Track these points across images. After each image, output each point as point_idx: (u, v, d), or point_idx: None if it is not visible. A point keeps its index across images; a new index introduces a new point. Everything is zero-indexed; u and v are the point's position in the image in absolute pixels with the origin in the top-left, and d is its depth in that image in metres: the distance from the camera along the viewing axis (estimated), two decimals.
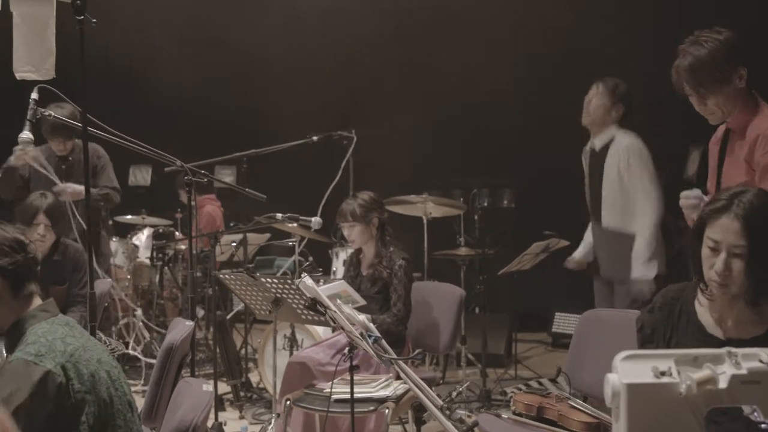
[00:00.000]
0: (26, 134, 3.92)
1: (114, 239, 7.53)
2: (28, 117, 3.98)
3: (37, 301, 2.54)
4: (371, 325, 2.96)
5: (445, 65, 8.43)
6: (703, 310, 2.75)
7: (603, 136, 5.30)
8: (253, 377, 6.45)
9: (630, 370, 1.91)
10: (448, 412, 2.61)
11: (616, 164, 5.22)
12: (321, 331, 5.60)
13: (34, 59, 3.58)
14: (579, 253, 5.67)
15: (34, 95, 3.95)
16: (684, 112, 3.69)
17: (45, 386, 2.29)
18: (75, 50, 3.46)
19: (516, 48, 8.07)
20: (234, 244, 7.03)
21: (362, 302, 4.52)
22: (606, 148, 5.28)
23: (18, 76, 3.65)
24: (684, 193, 3.40)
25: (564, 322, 8.02)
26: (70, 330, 2.48)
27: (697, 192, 3.41)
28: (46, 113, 4.09)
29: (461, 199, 7.60)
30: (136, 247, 7.69)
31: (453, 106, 8.42)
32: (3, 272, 2.45)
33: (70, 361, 2.36)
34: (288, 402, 4.25)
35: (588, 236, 5.65)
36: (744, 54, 3.48)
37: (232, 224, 7.86)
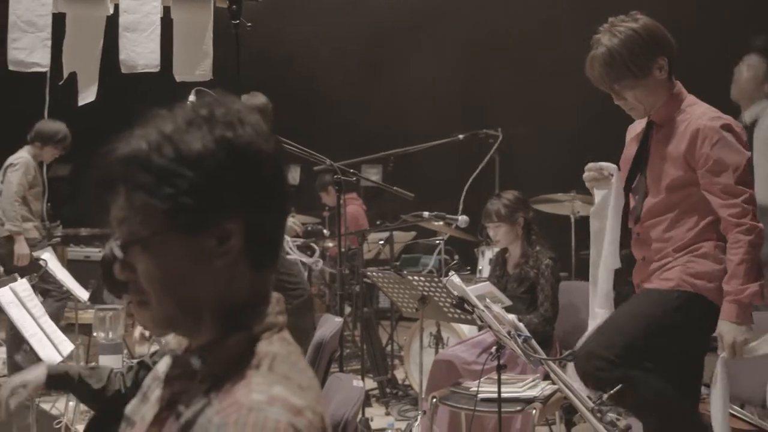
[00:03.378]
0: None
1: None
2: None
3: None
4: (521, 325, 2.94)
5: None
6: None
7: (753, 109, 5.09)
8: (399, 374, 6.50)
9: None
10: (599, 415, 2.57)
11: (766, 136, 4.99)
12: (467, 329, 5.58)
13: (192, 62, 3.71)
14: None
15: (192, 98, 4.09)
16: None
17: None
18: (232, 52, 3.58)
19: None
20: (381, 242, 7.11)
21: (508, 303, 4.48)
22: (756, 121, 5.07)
23: (178, 78, 3.80)
24: (589, 165, 3.25)
25: None
26: None
27: (604, 165, 3.24)
28: None
29: None
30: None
31: (601, 101, 8.23)
32: None
33: None
34: (434, 400, 4.25)
35: None
36: (664, 42, 3.19)
37: (378, 222, 7.95)
